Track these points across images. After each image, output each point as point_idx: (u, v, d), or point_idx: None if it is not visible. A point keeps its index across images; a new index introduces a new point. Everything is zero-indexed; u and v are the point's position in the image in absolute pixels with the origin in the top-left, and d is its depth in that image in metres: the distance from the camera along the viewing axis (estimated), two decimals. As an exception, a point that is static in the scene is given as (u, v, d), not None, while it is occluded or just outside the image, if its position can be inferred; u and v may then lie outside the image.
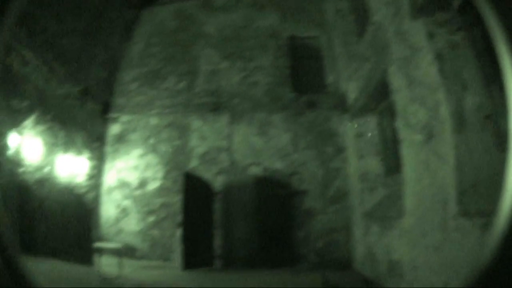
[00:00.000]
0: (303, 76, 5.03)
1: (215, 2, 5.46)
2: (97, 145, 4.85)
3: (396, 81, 2.54)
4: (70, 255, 3.16)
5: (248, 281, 3.30)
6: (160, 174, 4.83)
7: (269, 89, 4.89)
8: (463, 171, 1.67)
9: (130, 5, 5.33)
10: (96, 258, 3.44)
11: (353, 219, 4.03)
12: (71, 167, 4.18)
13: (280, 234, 4.36)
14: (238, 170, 4.64)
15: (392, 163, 3.20)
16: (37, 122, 3.53)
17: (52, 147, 3.80)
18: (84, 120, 4.47)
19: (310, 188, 4.41)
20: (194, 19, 5.40)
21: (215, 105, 4.89)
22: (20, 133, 3.24)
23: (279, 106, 4.76)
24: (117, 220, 4.77)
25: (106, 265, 3.40)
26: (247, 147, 4.71)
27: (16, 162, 3.18)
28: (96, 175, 4.81)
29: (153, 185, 4.81)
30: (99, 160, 4.90)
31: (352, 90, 3.96)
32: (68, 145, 4.12)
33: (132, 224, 4.73)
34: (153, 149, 4.92)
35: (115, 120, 5.08)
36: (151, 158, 4.90)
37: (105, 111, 5.03)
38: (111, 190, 4.89)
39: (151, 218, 4.68)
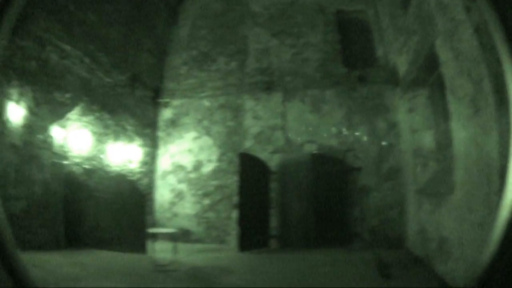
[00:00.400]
0: (353, 51, 4.93)
1: (260, -20, 5.43)
2: (149, 131, 4.93)
3: (443, 53, 2.45)
4: (123, 244, 3.18)
5: (302, 263, 3.31)
6: (214, 156, 4.88)
7: (320, 65, 4.83)
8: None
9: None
10: (150, 245, 3.44)
11: (406, 196, 3.96)
12: (122, 155, 4.23)
13: (335, 212, 4.37)
14: (293, 148, 4.67)
15: (444, 137, 3.10)
16: (84, 113, 3.58)
17: (101, 136, 3.85)
18: (135, 107, 4.52)
19: (364, 164, 4.36)
20: (240, -1, 5.43)
21: (267, 84, 4.92)
22: (65, 125, 3.27)
23: (331, 82, 4.70)
24: (172, 204, 4.86)
25: (160, 250, 3.41)
26: (301, 124, 4.70)
27: (61, 155, 3.22)
28: (149, 160, 4.89)
29: (208, 168, 4.86)
30: (152, 146, 4.98)
31: (402, 63, 3.84)
32: (119, 133, 4.17)
33: (187, 208, 4.81)
34: (207, 131, 4.96)
35: (166, 104, 5.17)
36: (205, 141, 4.95)
37: (155, 96, 5.10)
38: (165, 174, 4.98)
39: (207, 201, 4.74)
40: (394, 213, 4.07)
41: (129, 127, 4.36)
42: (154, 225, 4.52)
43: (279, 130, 4.69)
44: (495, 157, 1.68)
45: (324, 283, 2.54)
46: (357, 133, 4.42)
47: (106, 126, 3.92)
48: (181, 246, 3.78)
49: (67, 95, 3.30)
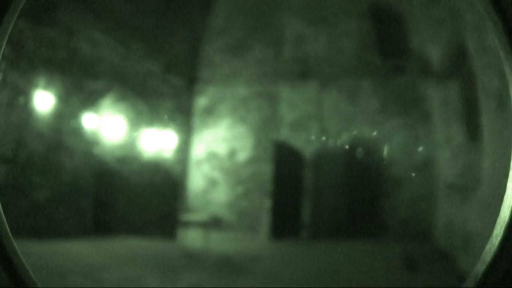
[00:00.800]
0: (389, 41, 4.84)
1: (294, -33, 5.40)
2: (183, 118, 5.07)
3: (472, 46, 2.41)
4: (153, 231, 3.12)
5: (332, 252, 3.33)
6: (249, 144, 4.92)
7: (356, 54, 4.77)
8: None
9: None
10: (180, 233, 3.41)
11: (437, 189, 3.90)
12: (156, 142, 4.12)
13: (366, 204, 4.36)
14: (328, 138, 4.66)
15: (474, 131, 3.04)
16: (117, 100, 3.49)
17: (135, 124, 3.75)
18: (170, 94, 4.63)
19: (397, 156, 4.32)
20: (274, -14, 5.41)
21: (303, 72, 4.91)
22: (96, 112, 3.22)
23: (366, 72, 4.64)
24: (205, 192, 4.93)
25: (192, 238, 3.37)
26: (336, 114, 4.66)
27: (93, 143, 3.17)
28: (183, 148, 4.84)
29: (242, 156, 4.87)
30: (186, 133, 5.15)
31: (435, 54, 3.76)
32: (153, 120, 4.12)
33: (220, 196, 4.90)
34: (242, 120, 4.98)
35: (201, 92, 5.30)
36: (240, 129, 4.97)
37: (190, 84, 5.21)
38: (199, 162, 5.02)
39: (240, 189, 4.76)
40: (424, 206, 4.02)
41: (164, 115, 4.40)
42: (186, 212, 4.60)
43: (314, 119, 4.68)
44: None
45: (349, 273, 2.59)
46: (391, 124, 4.37)
47: (139, 113, 3.95)
48: (213, 234, 3.72)
49: (99, 83, 3.25)
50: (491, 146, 2.17)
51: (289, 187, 4.08)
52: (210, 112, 5.02)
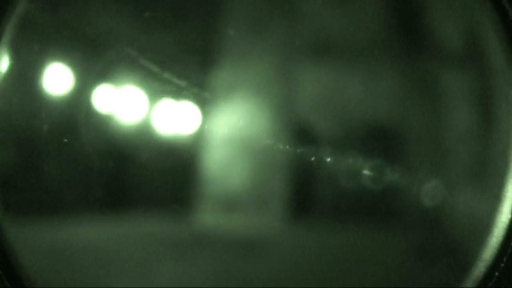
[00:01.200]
0: (407, 22, 4.76)
1: None
2: (199, 98, 5.06)
3: (486, 32, 2.33)
4: (167, 213, 3.26)
5: (346, 237, 3.35)
6: (267, 124, 4.98)
7: (375, 35, 4.71)
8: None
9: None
10: (195, 214, 3.66)
11: (452, 177, 3.85)
12: (171, 121, 4.46)
13: (384, 188, 4.32)
14: (344, 120, 4.63)
15: (494, 120, 2.98)
16: (130, 75, 3.65)
17: (152, 96, 3.98)
18: (184, 71, 4.61)
19: (413, 142, 4.27)
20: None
21: (320, 52, 4.86)
22: (110, 87, 3.36)
23: (383, 53, 4.59)
24: (221, 173, 5.06)
25: (207, 220, 3.62)
26: (353, 95, 4.64)
27: (104, 121, 3.29)
28: (199, 128, 5.07)
29: (259, 135, 4.99)
30: (203, 113, 5.13)
31: (454, 38, 3.68)
32: (167, 98, 4.36)
33: (237, 178, 4.97)
34: (259, 99, 5.06)
35: (217, 68, 5.30)
36: (257, 108, 5.06)
37: (206, 62, 5.18)
38: (215, 142, 5.18)
39: (257, 171, 4.86)
40: (439, 194, 3.98)
41: (178, 92, 4.40)
42: (201, 194, 4.64)
43: (332, 100, 4.64)
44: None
45: (357, 259, 2.58)
46: (407, 108, 4.32)
47: (154, 90, 3.95)
48: (229, 215, 3.90)
49: (112, 52, 3.36)
50: (505, 135, 2.12)
51: (308, 171, 4.06)
52: (225, 89, 5.01)
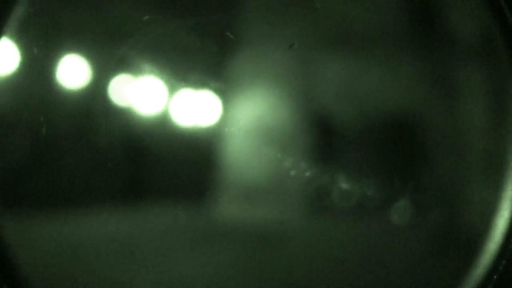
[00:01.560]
0: (425, 15, 4.64)
1: None
2: (217, 84, 4.97)
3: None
4: (186, 203, 3.16)
5: (361, 230, 3.32)
6: (287, 114, 4.90)
7: (396, 25, 4.62)
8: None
9: None
10: (214, 204, 3.52)
11: (469, 172, 3.78)
12: (190, 109, 4.38)
13: (403, 179, 4.27)
14: (365, 109, 4.56)
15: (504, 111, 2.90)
16: (147, 62, 3.52)
17: (170, 85, 3.84)
18: (203, 56, 4.51)
19: (430, 133, 4.20)
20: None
21: (341, 40, 4.77)
22: (125, 74, 3.23)
23: (404, 43, 4.50)
24: (241, 162, 5.00)
25: (225, 210, 3.50)
26: (371, 87, 4.56)
27: (120, 112, 3.18)
28: (218, 116, 4.99)
29: (279, 125, 4.91)
30: (222, 100, 5.04)
31: (472, 32, 3.58)
32: (186, 85, 4.25)
33: (257, 166, 4.93)
34: (279, 88, 4.97)
35: (236, 58, 5.22)
36: (277, 99, 4.98)
37: (225, 46, 5.10)
38: (236, 130, 5.12)
39: (277, 160, 4.82)
40: (454, 187, 3.92)
41: (195, 79, 4.34)
42: (220, 184, 4.62)
43: (352, 90, 4.57)
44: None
45: (374, 253, 2.57)
46: (426, 100, 4.24)
47: (176, 76, 3.90)
48: (248, 206, 3.87)
49: (130, 42, 3.32)
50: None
51: (328, 160, 4.00)
52: (244, 77, 4.96)
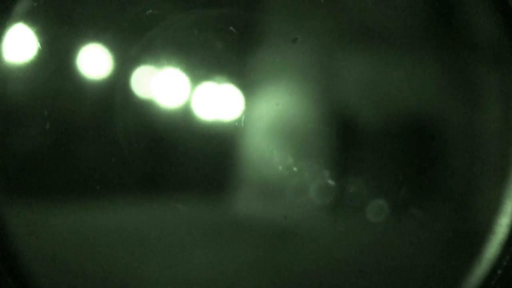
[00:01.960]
0: (447, 15, 4.54)
1: None
2: (240, 80, 4.92)
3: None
4: (204, 198, 3.02)
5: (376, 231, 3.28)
6: (308, 111, 4.84)
7: (414, 25, 4.54)
8: None
9: None
10: (231, 198, 3.37)
11: (484, 172, 3.70)
12: (209, 103, 4.27)
13: (421, 179, 4.20)
14: (383, 110, 4.51)
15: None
16: (167, 54, 3.42)
17: (189, 81, 3.72)
18: (222, 52, 4.40)
19: (447, 136, 4.13)
20: None
21: (361, 40, 4.71)
22: (149, 66, 3.12)
23: (423, 44, 4.42)
24: (261, 159, 4.95)
25: (244, 205, 3.35)
26: (390, 86, 4.50)
27: (144, 106, 3.09)
28: (241, 112, 4.89)
29: (298, 122, 4.84)
30: (245, 96, 4.99)
31: (492, 34, 3.48)
32: (204, 79, 4.12)
33: (276, 164, 4.87)
34: (300, 86, 4.91)
35: (259, 53, 5.17)
36: (298, 96, 4.91)
37: (244, 44, 5.02)
38: (255, 126, 5.07)
39: (297, 158, 4.73)
40: (465, 187, 3.85)
41: (214, 73, 4.27)
42: (237, 178, 4.58)
43: (376, 90, 4.51)
44: None
45: (389, 253, 2.54)
46: (445, 101, 4.16)
47: (199, 69, 3.82)
48: (266, 202, 3.79)
49: (152, 33, 3.22)
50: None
51: (345, 161, 3.96)
52: (266, 74, 4.92)
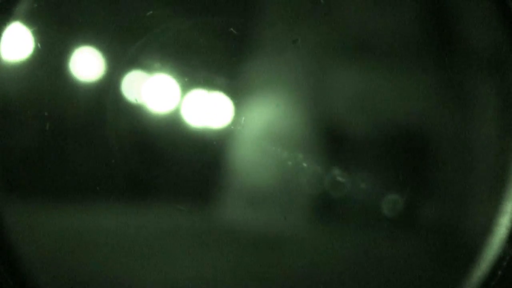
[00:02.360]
0: (440, 26, 4.61)
1: None
2: (230, 85, 4.94)
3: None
4: (191, 205, 3.03)
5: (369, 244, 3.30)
6: (299, 120, 4.85)
7: (411, 37, 4.59)
8: None
9: None
10: (217, 206, 3.40)
11: (478, 184, 3.73)
12: (204, 109, 4.27)
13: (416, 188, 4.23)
14: (375, 117, 4.53)
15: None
16: (158, 60, 3.41)
17: (179, 85, 3.71)
18: (215, 56, 4.40)
19: (439, 147, 4.17)
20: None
21: (355, 48, 4.75)
22: (136, 72, 3.12)
23: (417, 53, 4.47)
24: (248, 167, 4.97)
25: (229, 213, 3.35)
26: (383, 94, 4.54)
27: (130, 112, 3.08)
28: (230, 119, 4.91)
29: (291, 130, 4.86)
30: (234, 104, 5.02)
31: (486, 45, 3.54)
32: (199, 82, 4.14)
33: (266, 170, 4.89)
34: (290, 90, 4.93)
35: (250, 60, 5.19)
36: (293, 104, 4.93)
37: (239, 49, 5.03)
38: (242, 132, 5.07)
39: (284, 162, 4.80)
40: (460, 194, 3.87)
41: (206, 78, 4.27)
42: (226, 184, 4.60)
43: (367, 99, 4.55)
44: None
45: (375, 261, 2.55)
46: (437, 113, 4.20)
47: (189, 75, 3.83)
48: (252, 210, 3.77)
49: (144, 38, 3.26)
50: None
51: (336, 166, 3.97)
52: (259, 81, 4.96)
